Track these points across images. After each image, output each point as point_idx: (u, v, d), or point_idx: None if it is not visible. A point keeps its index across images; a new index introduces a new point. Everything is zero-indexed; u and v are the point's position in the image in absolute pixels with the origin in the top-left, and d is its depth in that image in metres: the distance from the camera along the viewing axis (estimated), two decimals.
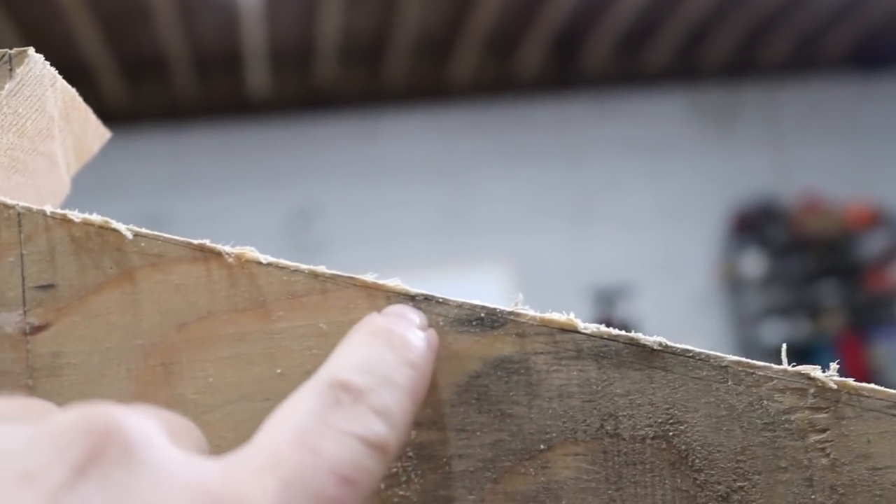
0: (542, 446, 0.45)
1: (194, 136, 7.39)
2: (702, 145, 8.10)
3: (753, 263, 7.76)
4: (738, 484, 0.45)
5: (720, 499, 0.45)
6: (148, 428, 0.32)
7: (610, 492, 0.45)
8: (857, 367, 6.90)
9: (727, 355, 0.46)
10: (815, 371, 0.45)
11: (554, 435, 0.45)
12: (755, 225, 7.87)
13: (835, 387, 0.45)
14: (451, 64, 7.52)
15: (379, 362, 0.39)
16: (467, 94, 7.78)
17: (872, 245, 7.89)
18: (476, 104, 7.81)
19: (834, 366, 0.46)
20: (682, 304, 7.56)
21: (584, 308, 6.91)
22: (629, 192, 7.91)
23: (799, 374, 0.45)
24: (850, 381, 0.46)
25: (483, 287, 7.12)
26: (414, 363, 0.40)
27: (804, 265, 7.78)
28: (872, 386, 0.46)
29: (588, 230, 7.81)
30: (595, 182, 7.91)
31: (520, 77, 7.76)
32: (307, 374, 0.45)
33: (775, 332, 7.11)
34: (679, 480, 0.45)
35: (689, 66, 8.02)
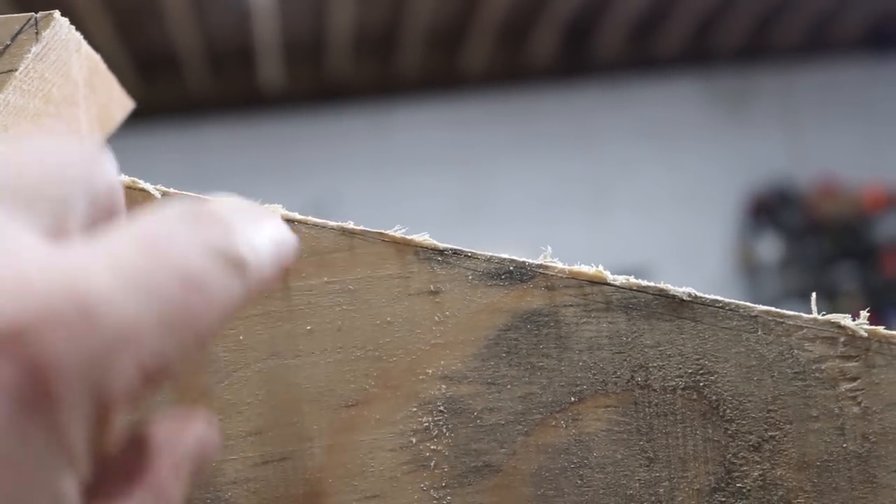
0: (572, 399, 0.45)
1: (209, 130, 7.39)
2: (716, 130, 8.07)
3: (770, 247, 7.74)
4: (770, 433, 0.45)
5: (752, 448, 0.45)
6: None
7: (641, 443, 0.45)
8: None
9: (756, 305, 0.46)
10: (844, 319, 0.45)
11: (584, 387, 0.45)
12: (771, 209, 7.84)
13: (865, 335, 0.45)
14: (464, 54, 7.51)
15: (247, 208, 0.36)
16: (480, 84, 7.76)
17: (889, 227, 7.86)
18: (489, 94, 7.79)
19: (864, 314, 0.46)
20: (699, 289, 7.34)
21: None
22: (645, 178, 7.89)
23: (829, 322, 0.45)
24: (881, 329, 0.46)
25: None
26: (280, 228, 0.38)
27: (821, 249, 7.76)
28: None
29: (605, 217, 7.80)
30: (610, 169, 7.89)
31: (532, 66, 7.74)
32: (338, 330, 0.45)
33: None
34: (710, 430, 0.45)
35: (702, 51, 7.99)
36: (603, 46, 7.67)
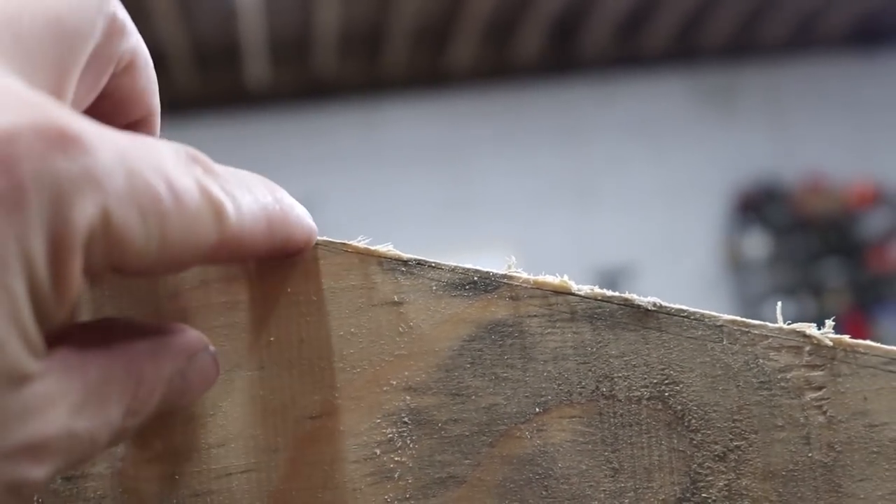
0: (537, 409, 0.45)
1: (195, 129, 7.37)
2: (703, 127, 8.09)
3: (757, 244, 7.77)
4: (735, 443, 0.45)
5: (717, 458, 0.45)
6: None
7: (606, 453, 0.45)
8: None
9: (722, 314, 0.46)
10: (810, 328, 0.45)
11: (549, 398, 0.45)
12: (758, 205, 7.87)
13: (830, 344, 0.45)
14: (450, 51, 7.51)
15: (243, 175, 0.38)
16: (467, 81, 7.77)
17: (875, 223, 7.89)
18: (476, 90, 7.80)
19: (829, 323, 0.46)
20: (686, 285, 7.56)
21: None
22: (631, 174, 7.91)
23: (794, 331, 0.45)
24: (846, 337, 0.45)
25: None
26: (279, 198, 0.40)
27: (807, 245, 7.79)
28: (868, 342, 0.46)
29: (591, 213, 7.81)
30: (597, 165, 7.91)
31: (519, 62, 7.75)
32: (301, 341, 0.45)
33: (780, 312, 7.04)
34: (675, 441, 0.45)
35: (689, 47, 8.01)
36: (589, 43, 7.67)
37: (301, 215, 0.42)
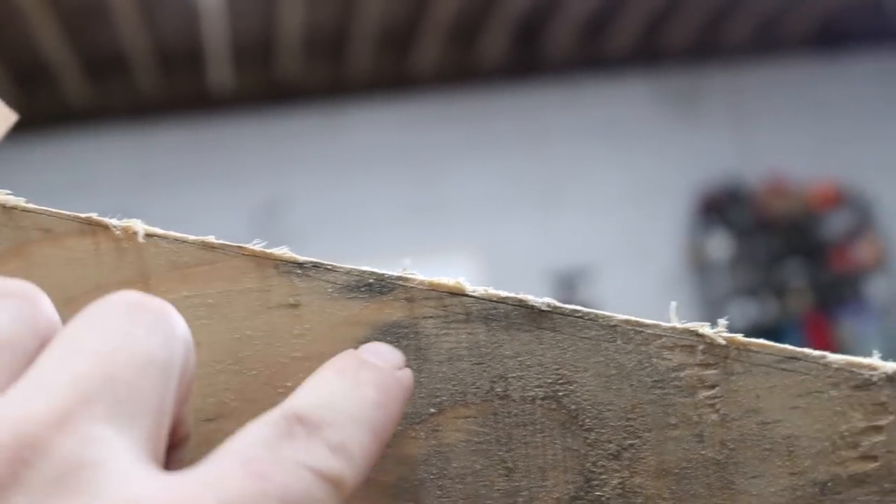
0: (432, 410, 0.45)
1: (159, 133, 7.34)
2: (666, 129, 8.12)
3: (719, 245, 7.79)
4: (629, 442, 0.45)
5: (611, 457, 0.45)
6: (102, 443, 0.29)
7: (501, 453, 0.45)
8: (824, 346, 6.91)
9: (616, 314, 0.46)
10: (703, 328, 0.46)
11: (444, 398, 0.45)
12: (720, 207, 7.90)
13: (723, 343, 0.45)
14: (414, 54, 7.51)
15: (343, 399, 0.37)
16: (431, 85, 7.77)
17: (837, 224, 7.94)
18: (441, 94, 7.80)
19: (723, 322, 0.46)
20: (649, 287, 7.57)
21: (551, 292, 6.91)
22: (596, 176, 7.92)
23: (687, 331, 0.46)
24: (739, 336, 0.46)
25: (455, 276, 7.05)
26: (381, 403, 0.38)
27: (770, 246, 7.82)
28: (761, 341, 0.46)
29: (556, 216, 7.82)
30: (561, 168, 7.92)
31: (483, 66, 7.75)
32: (197, 344, 0.45)
33: (743, 313, 7.15)
34: (570, 440, 0.45)
35: (652, 50, 8.03)
36: (553, 46, 7.69)
37: (400, 388, 0.40)
